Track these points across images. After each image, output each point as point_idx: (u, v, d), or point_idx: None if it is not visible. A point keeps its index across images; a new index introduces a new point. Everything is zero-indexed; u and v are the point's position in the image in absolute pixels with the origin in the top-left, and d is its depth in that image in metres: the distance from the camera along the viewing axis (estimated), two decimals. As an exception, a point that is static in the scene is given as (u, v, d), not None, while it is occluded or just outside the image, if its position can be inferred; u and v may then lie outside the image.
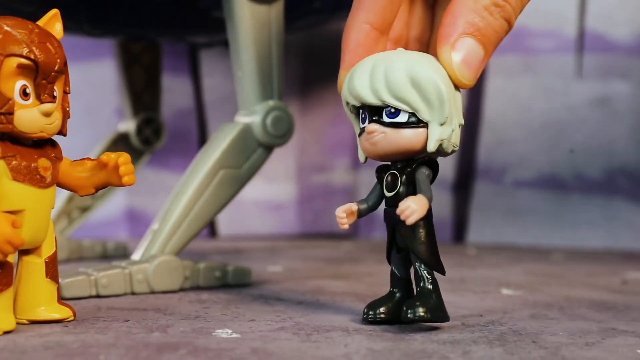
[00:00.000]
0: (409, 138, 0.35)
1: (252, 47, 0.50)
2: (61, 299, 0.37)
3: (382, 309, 0.37)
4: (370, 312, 0.37)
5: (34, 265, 0.36)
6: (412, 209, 0.34)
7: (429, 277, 0.36)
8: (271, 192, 0.96)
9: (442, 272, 0.37)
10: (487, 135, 0.91)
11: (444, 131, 0.35)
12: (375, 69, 0.35)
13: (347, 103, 0.37)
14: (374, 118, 0.36)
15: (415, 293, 0.37)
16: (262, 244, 0.83)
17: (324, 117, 0.98)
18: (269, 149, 0.51)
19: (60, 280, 0.38)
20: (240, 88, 0.51)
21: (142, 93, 0.71)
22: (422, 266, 0.36)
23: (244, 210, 0.93)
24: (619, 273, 0.63)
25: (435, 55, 0.38)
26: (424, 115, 0.35)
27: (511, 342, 0.34)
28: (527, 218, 0.89)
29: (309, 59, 0.96)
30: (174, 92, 0.91)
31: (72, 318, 0.37)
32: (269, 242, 0.85)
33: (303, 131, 0.96)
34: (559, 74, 0.89)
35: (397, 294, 0.38)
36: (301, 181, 0.97)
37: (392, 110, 0.35)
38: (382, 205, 0.38)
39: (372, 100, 0.35)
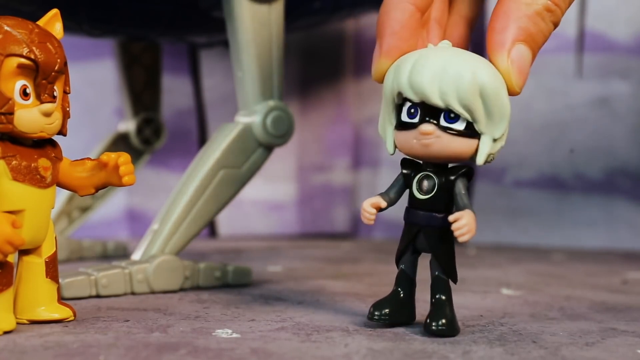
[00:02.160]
0: (462, 146, 0.35)
1: (252, 47, 0.50)
2: (61, 299, 0.37)
3: (387, 309, 0.37)
4: (376, 312, 0.37)
5: (34, 265, 0.36)
6: (469, 227, 0.33)
7: (446, 285, 0.36)
8: (271, 192, 0.95)
9: (455, 281, 0.37)
10: (487, 135, 0.90)
11: (495, 146, 0.35)
12: (446, 70, 0.34)
13: (399, 93, 0.35)
14: (427, 118, 0.34)
15: (431, 303, 0.36)
16: (262, 244, 0.83)
17: (324, 117, 0.98)
18: (269, 149, 0.51)
19: (60, 280, 0.38)
20: (240, 88, 0.51)
21: (142, 93, 0.71)
22: (441, 274, 0.36)
23: (244, 210, 0.93)
24: (619, 273, 0.63)
25: (452, 43, 0.38)
26: (481, 127, 0.34)
27: (511, 342, 0.34)
28: (527, 218, 0.89)
29: (309, 59, 0.96)
30: (174, 92, 0.90)
31: (72, 318, 0.37)
32: (269, 242, 0.85)
33: (303, 131, 0.96)
34: (559, 74, 0.89)
35: (402, 294, 0.38)
36: (301, 181, 0.97)
37: (452, 115, 0.34)
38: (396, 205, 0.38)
39: (437, 101, 0.34)
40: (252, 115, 0.51)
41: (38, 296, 0.36)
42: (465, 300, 0.46)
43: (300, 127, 0.93)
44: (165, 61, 0.79)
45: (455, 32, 0.41)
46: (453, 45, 0.36)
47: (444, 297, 0.36)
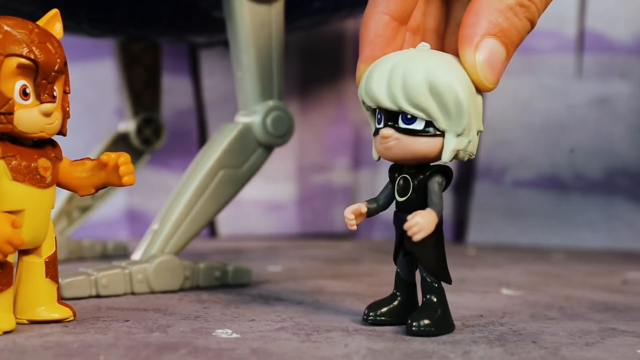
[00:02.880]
0: (424, 146, 0.35)
1: (252, 47, 0.50)
2: (61, 299, 0.37)
3: (382, 310, 0.37)
4: (371, 313, 0.37)
5: (34, 265, 0.36)
6: (420, 225, 0.33)
7: (435, 287, 0.36)
8: (271, 192, 0.96)
9: (449, 282, 0.36)
10: (487, 135, 0.90)
11: (460, 142, 0.35)
12: (393, 72, 0.34)
13: (363, 102, 0.36)
14: (389, 123, 0.35)
15: (421, 302, 0.36)
16: (262, 244, 0.83)
17: (324, 117, 0.98)
18: (269, 149, 0.51)
19: (60, 280, 0.38)
20: (240, 88, 0.51)
21: (142, 93, 0.71)
22: (428, 276, 0.36)
23: (244, 210, 0.93)
24: (619, 273, 0.63)
25: (451, 51, 0.37)
26: (440, 124, 0.34)
27: (511, 342, 0.34)
28: (527, 218, 0.89)
29: (309, 59, 0.96)
30: (174, 92, 0.91)
31: (72, 318, 0.37)
32: (269, 242, 0.85)
33: (303, 131, 0.96)
34: (559, 74, 0.89)
35: (399, 297, 0.38)
36: (301, 181, 0.97)
37: (409, 116, 0.34)
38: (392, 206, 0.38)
39: (388, 104, 0.34)
40: (252, 115, 0.51)
41: (38, 296, 0.36)
42: (465, 300, 0.46)
43: (300, 127, 0.93)
44: (165, 61, 0.79)
45: (453, 39, 0.40)
46: (450, 53, 0.36)
47: (435, 299, 0.36)
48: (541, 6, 0.37)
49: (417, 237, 0.33)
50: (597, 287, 0.54)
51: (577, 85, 0.89)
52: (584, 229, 0.88)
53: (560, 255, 0.77)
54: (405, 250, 0.37)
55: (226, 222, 0.93)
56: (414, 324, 0.35)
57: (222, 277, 0.50)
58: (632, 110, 0.87)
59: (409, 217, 0.34)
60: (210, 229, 0.94)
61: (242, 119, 0.51)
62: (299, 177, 0.97)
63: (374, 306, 0.38)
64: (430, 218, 0.34)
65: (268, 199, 0.96)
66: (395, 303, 0.38)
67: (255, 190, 0.92)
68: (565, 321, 0.40)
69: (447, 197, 0.92)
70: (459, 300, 0.46)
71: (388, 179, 0.37)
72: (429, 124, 0.34)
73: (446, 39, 0.41)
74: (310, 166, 0.98)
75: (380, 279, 0.55)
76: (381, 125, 0.35)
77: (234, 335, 0.34)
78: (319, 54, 0.96)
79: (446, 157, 0.35)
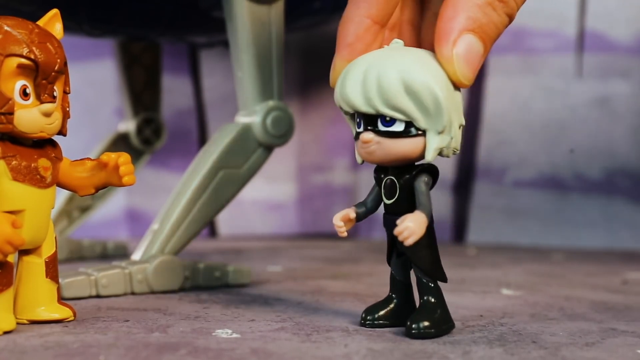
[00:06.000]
0: (406, 147, 0.34)
1: (252, 47, 0.50)
2: (61, 299, 0.37)
3: (380, 314, 0.37)
4: (369, 317, 0.37)
5: (34, 265, 0.36)
6: (410, 230, 0.33)
7: (431, 287, 0.35)
8: (271, 192, 0.96)
9: (444, 280, 0.36)
10: (487, 135, 0.91)
11: (442, 140, 0.34)
12: (367, 75, 0.34)
13: (341, 107, 0.36)
14: (368, 127, 0.34)
15: (418, 304, 0.36)
16: (262, 244, 0.83)
17: (324, 117, 0.98)
18: (269, 149, 0.51)
19: (60, 280, 0.38)
20: (240, 88, 0.51)
21: (142, 93, 0.71)
22: (423, 276, 0.36)
23: (244, 210, 0.93)
24: (619, 273, 0.63)
25: (428, 43, 0.37)
26: (420, 124, 0.34)
27: (511, 343, 0.34)
28: (527, 218, 0.89)
29: (309, 59, 0.96)
30: (174, 92, 0.91)
31: (72, 318, 0.37)
32: (269, 242, 0.85)
33: (303, 131, 0.96)
34: (559, 74, 0.89)
35: (395, 299, 0.37)
36: (301, 181, 0.97)
37: (388, 118, 0.34)
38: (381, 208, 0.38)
39: (365, 109, 0.34)
40: (252, 116, 0.51)
41: (38, 296, 0.36)
42: (465, 300, 0.46)
43: (300, 127, 0.93)
44: (165, 61, 0.79)
45: (430, 31, 0.39)
46: (428, 46, 0.36)
47: (432, 299, 0.35)
48: (520, 1, 0.36)
49: (408, 242, 0.33)
50: (597, 287, 0.54)
51: (577, 85, 0.89)
52: (584, 229, 0.88)
53: (560, 255, 0.77)
54: (399, 251, 0.37)
55: (226, 222, 0.93)
56: (414, 326, 0.35)
57: (222, 277, 0.50)
58: (632, 110, 0.87)
59: (398, 221, 0.33)
60: (210, 229, 0.94)
61: (242, 119, 0.51)
62: (299, 177, 0.97)
63: (371, 310, 0.37)
64: (420, 221, 0.33)
65: (268, 199, 0.96)
66: (392, 305, 0.37)
67: (255, 190, 0.92)
68: (565, 321, 0.40)
69: (447, 197, 0.92)
70: (459, 300, 0.46)
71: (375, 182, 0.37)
72: (409, 124, 0.34)
73: (423, 31, 0.40)
74: (310, 166, 0.98)
75: (380, 279, 0.55)
76: (361, 129, 0.35)
77: (234, 335, 0.34)
78: (319, 54, 0.96)
79: (430, 157, 0.34)
